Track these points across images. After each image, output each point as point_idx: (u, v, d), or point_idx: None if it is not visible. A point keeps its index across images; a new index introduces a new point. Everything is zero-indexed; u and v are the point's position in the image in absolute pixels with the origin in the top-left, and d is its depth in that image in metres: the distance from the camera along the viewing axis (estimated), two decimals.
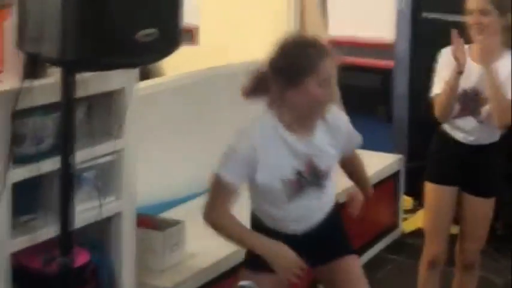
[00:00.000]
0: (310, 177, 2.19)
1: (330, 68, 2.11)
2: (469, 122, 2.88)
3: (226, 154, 2.14)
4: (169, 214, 3.15)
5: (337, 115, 2.28)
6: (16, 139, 2.12)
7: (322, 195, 2.25)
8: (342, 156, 2.30)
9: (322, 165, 2.20)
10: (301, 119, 2.16)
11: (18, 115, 2.10)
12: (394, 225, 4.24)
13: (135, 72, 2.48)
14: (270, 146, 2.15)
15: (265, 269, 2.16)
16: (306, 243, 2.23)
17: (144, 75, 3.00)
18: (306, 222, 2.25)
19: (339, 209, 2.36)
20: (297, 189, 2.19)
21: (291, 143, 2.17)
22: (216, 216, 2.16)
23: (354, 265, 2.34)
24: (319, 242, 2.27)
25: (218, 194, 2.15)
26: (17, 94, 2.05)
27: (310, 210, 2.25)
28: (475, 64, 2.82)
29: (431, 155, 3.01)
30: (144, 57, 2.07)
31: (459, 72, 2.75)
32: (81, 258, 2.33)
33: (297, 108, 2.13)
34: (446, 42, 2.83)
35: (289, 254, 2.13)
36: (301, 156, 2.17)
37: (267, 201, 2.22)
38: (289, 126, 2.17)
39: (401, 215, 4.29)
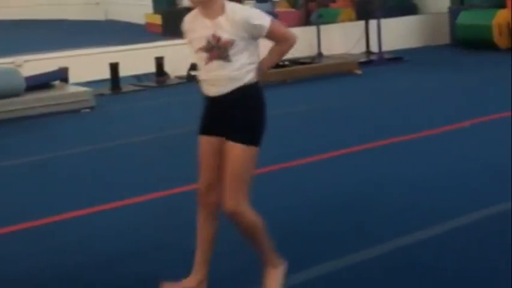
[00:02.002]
0: (215, 43, 3.01)
1: None
2: None
3: None
4: None
5: (236, 11, 3.02)
6: None
7: (227, 67, 3.01)
8: (251, 41, 3.03)
9: (223, 37, 3.00)
10: (202, 11, 3.07)
11: None
12: None
13: None
14: (194, 26, 3.11)
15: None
16: (217, 109, 3.07)
17: None
18: (215, 88, 3.05)
19: (253, 102, 3.05)
20: (208, 55, 3.03)
21: (202, 21, 3.07)
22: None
23: (233, 154, 2.99)
24: (225, 116, 3.04)
25: None
26: None
27: (217, 77, 3.03)
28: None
29: None
30: None
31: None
32: None
33: (194, 5, 3.09)
34: None
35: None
36: (208, 30, 3.03)
37: (199, 66, 3.11)
38: (203, 14, 3.08)
39: None
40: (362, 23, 11.12)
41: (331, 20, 11.85)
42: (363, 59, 10.26)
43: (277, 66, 9.76)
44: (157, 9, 15.51)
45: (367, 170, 5.11)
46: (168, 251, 3.79)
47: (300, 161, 5.38)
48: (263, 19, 3.04)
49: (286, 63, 9.89)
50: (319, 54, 10.43)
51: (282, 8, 12.99)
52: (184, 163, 5.53)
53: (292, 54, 11.13)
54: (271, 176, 5.01)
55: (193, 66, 9.56)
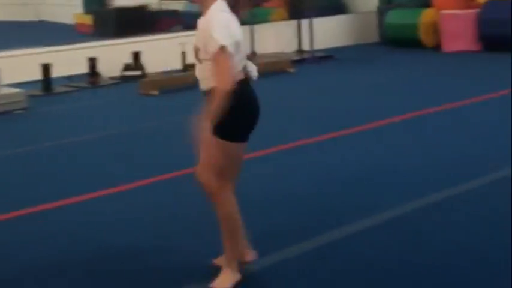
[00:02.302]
0: (195, 49, 3.18)
1: None
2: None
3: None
4: None
5: (209, 17, 3.11)
6: None
7: (201, 69, 3.18)
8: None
9: (196, 42, 3.17)
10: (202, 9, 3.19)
11: None
12: None
13: None
14: None
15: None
16: (205, 101, 3.18)
17: None
18: (200, 85, 3.22)
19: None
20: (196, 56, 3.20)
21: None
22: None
23: (208, 144, 3.13)
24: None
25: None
26: None
27: (199, 77, 3.21)
28: None
29: None
30: None
31: None
32: None
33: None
34: None
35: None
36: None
37: None
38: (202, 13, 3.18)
39: None
40: (294, 22, 11.29)
41: (264, 19, 11.99)
42: (295, 58, 10.42)
43: None
44: (87, 9, 15.33)
45: (302, 164, 5.23)
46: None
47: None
48: (220, 37, 3.04)
49: None
50: (253, 53, 10.54)
51: None
52: (113, 164, 5.55)
53: None
54: None
55: (127, 67, 9.53)
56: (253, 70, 3.27)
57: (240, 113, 3.14)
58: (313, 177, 4.90)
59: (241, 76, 3.18)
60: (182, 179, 4.97)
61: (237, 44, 3.12)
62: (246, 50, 3.28)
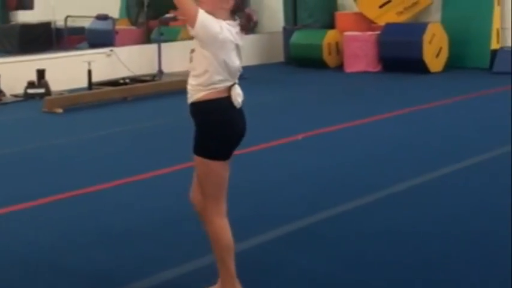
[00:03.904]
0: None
1: None
2: None
3: None
4: None
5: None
6: None
7: (191, 79, 3.14)
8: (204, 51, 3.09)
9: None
10: None
11: None
12: None
13: None
14: None
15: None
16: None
17: None
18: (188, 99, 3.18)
19: (203, 117, 3.12)
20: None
21: None
22: None
23: (196, 163, 3.15)
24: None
25: None
26: None
27: (188, 88, 3.17)
28: None
29: None
30: None
31: None
32: None
33: None
34: None
35: None
36: None
37: None
38: None
39: None
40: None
41: (172, 38, 12.04)
42: None
43: (118, 84, 9.82)
44: None
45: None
46: None
47: (144, 175, 5.49)
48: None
49: (127, 80, 9.95)
50: (160, 72, 10.57)
51: (123, 26, 13.00)
52: (19, 182, 5.46)
53: (132, 72, 11.16)
54: (112, 192, 5.09)
55: (31, 85, 9.36)
56: (238, 96, 3.13)
57: (216, 131, 3.11)
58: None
59: (224, 94, 3.10)
60: (80, 198, 4.96)
61: (223, 42, 3.05)
62: (236, 68, 3.14)
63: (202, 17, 3.01)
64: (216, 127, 3.12)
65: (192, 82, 3.14)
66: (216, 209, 3.18)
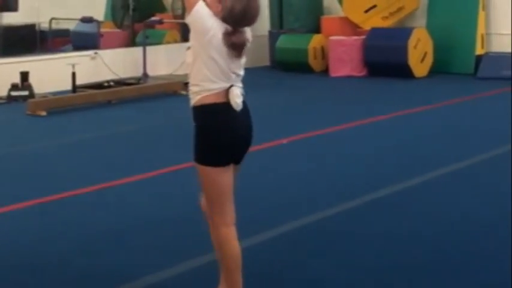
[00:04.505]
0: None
1: None
2: None
3: None
4: None
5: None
6: None
7: (190, 82, 3.11)
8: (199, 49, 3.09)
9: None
10: None
11: None
12: None
13: None
14: None
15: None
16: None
17: None
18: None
19: (198, 123, 3.06)
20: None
21: None
22: None
23: (197, 170, 3.08)
24: None
25: None
26: None
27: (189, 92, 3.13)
28: None
29: None
30: None
31: None
32: None
33: None
34: None
35: None
36: None
37: None
38: None
39: None
40: (187, 44, 11.36)
41: (157, 41, 12.00)
42: (187, 80, 10.47)
43: (102, 86, 9.76)
44: None
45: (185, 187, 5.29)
46: None
47: (128, 179, 5.46)
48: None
49: (111, 83, 9.90)
50: (145, 75, 10.53)
51: (108, 29, 12.93)
52: (0, 185, 5.41)
53: (117, 75, 11.11)
54: (95, 195, 5.06)
55: (14, 87, 9.28)
56: (236, 97, 3.03)
57: (210, 137, 3.03)
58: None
59: (221, 99, 3.02)
60: (63, 202, 4.92)
61: (212, 37, 3.00)
62: (230, 69, 3.06)
63: (199, 7, 3.00)
64: (211, 133, 3.04)
65: (190, 86, 3.10)
66: (221, 217, 3.09)
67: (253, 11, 3.04)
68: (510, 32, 10.64)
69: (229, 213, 3.11)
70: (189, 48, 3.12)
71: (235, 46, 3.02)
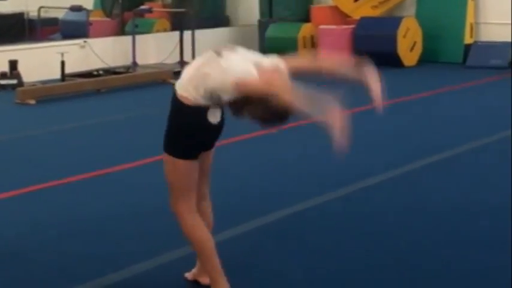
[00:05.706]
0: None
1: None
2: None
3: None
4: None
5: None
6: None
7: (189, 69, 3.15)
8: None
9: None
10: None
11: None
12: None
13: None
14: None
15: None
16: None
17: None
18: None
19: (178, 120, 3.10)
20: None
21: None
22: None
23: (163, 158, 3.15)
24: None
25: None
26: None
27: None
28: None
29: None
30: None
31: None
32: None
33: None
34: None
35: None
36: None
37: None
38: None
39: None
40: (176, 33, 11.35)
41: (147, 30, 11.97)
42: (177, 69, 10.47)
43: (91, 75, 9.74)
44: None
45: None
46: None
47: (116, 168, 5.46)
48: None
49: (101, 72, 9.87)
50: (134, 64, 10.51)
51: (97, 17, 12.88)
52: None
53: (106, 63, 11.07)
54: (84, 184, 5.06)
55: (3, 75, 9.24)
56: (213, 117, 3.08)
57: (186, 134, 3.07)
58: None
59: (204, 102, 3.04)
60: (52, 190, 4.92)
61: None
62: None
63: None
64: (189, 131, 3.08)
65: (182, 84, 3.08)
66: (186, 205, 3.13)
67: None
68: (499, 22, 10.69)
69: (193, 199, 3.15)
70: (219, 54, 3.18)
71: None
